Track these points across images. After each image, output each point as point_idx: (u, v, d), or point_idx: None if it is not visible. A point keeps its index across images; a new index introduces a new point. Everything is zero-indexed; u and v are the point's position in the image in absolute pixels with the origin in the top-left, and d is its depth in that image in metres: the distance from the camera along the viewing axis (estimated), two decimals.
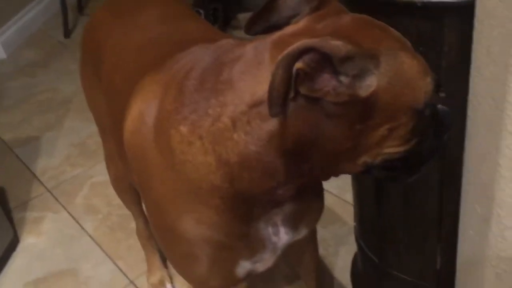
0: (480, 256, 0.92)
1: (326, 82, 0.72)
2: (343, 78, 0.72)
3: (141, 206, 1.64)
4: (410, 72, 0.76)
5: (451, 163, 0.98)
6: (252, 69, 0.79)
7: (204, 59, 0.90)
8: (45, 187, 2.13)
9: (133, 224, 1.75)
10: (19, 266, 1.82)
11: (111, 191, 1.89)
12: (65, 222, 1.97)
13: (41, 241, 1.91)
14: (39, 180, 2.17)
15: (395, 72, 0.75)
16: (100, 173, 2.12)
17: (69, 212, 2.00)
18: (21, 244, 1.90)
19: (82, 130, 2.41)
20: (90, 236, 1.89)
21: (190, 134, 0.85)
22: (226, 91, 0.81)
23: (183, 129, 0.86)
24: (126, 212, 1.88)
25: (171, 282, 1.66)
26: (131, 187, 1.57)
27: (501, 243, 0.87)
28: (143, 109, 0.97)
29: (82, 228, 1.93)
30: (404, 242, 1.14)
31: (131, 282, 1.72)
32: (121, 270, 1.76)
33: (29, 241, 1.91)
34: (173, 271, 1.71)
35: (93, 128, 1.44)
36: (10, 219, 1.96)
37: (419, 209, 1.05)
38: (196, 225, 0.91)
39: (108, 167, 1.56)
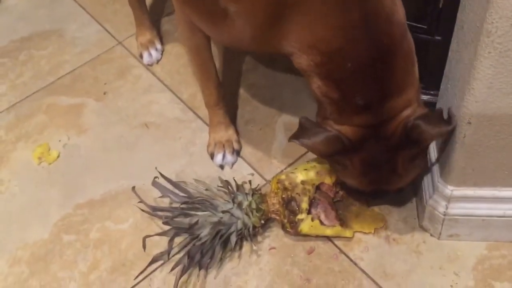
0: None
1: None
2: None
3: None
4: None
5: None
6: None
7: None
8: None
9: None
10: (2, 25, 1.78)
11: None
12: None
13: (22, 2, 1.84)
14: None
15: None
16: None
17: None
18: (1, 5, 1.83)
19: None
20: None
21: None
22: None
23: None
24: None
25: (161, 42, 1.66)
26: None
27: None
28: None
29: None
30: None
31: (120, 43, 1.70)
32: (108, 31, 1.73)
33: (9, 3, 1.84)
34: (162, 31, 1.70)
35: None
36: None
37: None
38: None
39: None
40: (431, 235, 1.22)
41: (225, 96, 1.41)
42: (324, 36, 0.94)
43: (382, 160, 1.05)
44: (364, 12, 0.91)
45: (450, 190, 1.12)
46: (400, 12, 0.96)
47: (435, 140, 1.02)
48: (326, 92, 0.99)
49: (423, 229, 1.22)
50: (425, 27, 1.18)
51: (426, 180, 1.18)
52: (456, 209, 1.14)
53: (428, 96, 1.33)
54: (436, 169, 1.15)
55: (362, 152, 1.04)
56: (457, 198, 1.12)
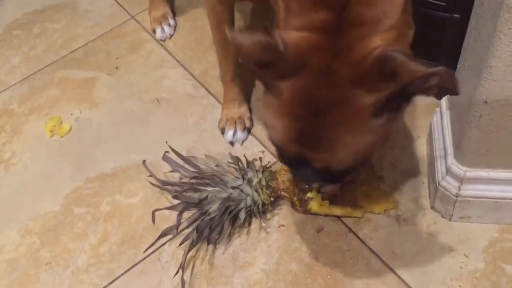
0: None
1: None
2: None
3: None
4: None
5: None
6: None
7: None
8: None
9: None
10: None
11: None
12: None
13: None
14: None
15: None
16: None
17: None
18: None
19: None
20: None
21: None
22: None
23: None
24: None
25: (174, 18, 1.64)
26: None
27: None
28: None
29: None
30: None
31: (132, 17, 1.69)
32: (121, 5, 1.72)
33: None
34: (175, 6, 1.68)
35: None
36: None
37: None
38: None
39: None
40: (442, 216, 1.20)
41: (242, 73, 1.40)
42: None
43: (328, 97, 0.72)
44: None
45: (463, 171, 1.10)
46: None
47: (414, 80, 0.68)
48: None
49: (435, 210, 1.21)
50: (444, 4, 1.15)
51: (439, 161, 1.17)
52: (469, 190, 1.13)
53: None
54: (449, 150, 1.13)
55: (302, 74, 0.73)
56: (470, 179, 1.11)
